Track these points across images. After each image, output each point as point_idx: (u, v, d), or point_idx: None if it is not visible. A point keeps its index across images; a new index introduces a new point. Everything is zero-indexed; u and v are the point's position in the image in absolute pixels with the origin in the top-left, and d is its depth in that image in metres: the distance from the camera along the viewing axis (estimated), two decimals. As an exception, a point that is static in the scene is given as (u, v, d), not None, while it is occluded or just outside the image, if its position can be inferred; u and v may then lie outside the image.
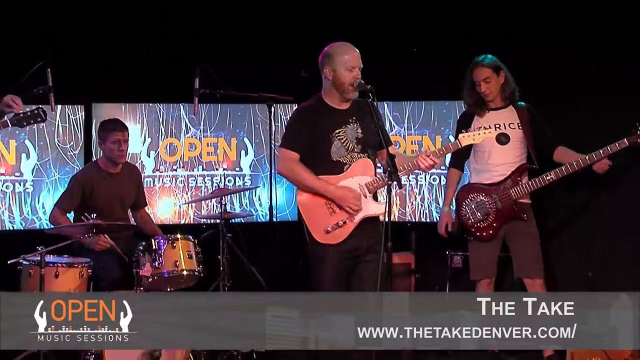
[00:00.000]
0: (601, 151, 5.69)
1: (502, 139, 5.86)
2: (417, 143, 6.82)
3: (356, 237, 4.84)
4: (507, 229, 5.92)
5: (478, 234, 5.95)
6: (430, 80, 6.81)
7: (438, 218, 6.58)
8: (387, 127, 6.28)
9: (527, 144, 5.87)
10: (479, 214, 5.92)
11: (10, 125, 4.88)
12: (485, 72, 5.83)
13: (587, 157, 5.72)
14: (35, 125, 5.03)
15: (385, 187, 4.63)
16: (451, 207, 6.03)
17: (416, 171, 5.19)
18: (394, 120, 6.74)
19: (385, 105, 6.65)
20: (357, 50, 4.84)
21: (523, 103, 5.92)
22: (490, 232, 5.91)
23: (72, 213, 6.15)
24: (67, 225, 6.01)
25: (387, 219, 4.49)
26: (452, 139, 6.68)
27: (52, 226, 6.13)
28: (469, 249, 6.08)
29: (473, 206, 5.94)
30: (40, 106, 4.99)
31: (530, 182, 5.82)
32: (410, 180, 6.56)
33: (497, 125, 5.89)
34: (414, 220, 6.83)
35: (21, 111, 4.90)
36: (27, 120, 4.93)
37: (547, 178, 5.80)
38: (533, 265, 5.90)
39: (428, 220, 6.81)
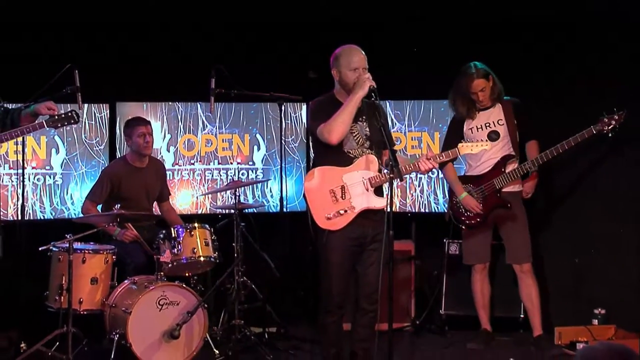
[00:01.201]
0: (571, 139, 5.69)
1: (493, 136, 5.89)
2: (416, 139, 6.83)
3: (360, 227, 4.85)
4: (498, 217, 5.93)
5: (467, 221, 6.01)
6: (429, 80, 6.81)
7: (444, 209, 6.64)
8: (389, 124, 6.27)
9: (510, 136, 5.89)
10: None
11: (45, 127, 4.91)
12: (480, 83, 5.86)
13: (558, 146, 5.69)
14: (67, 125, 5.04)
15: (388, 181, 4.66)
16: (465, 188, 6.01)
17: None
18: (395, 118, 6.75)
19: (387, 103, 6.65)
20: (362, 53, 4.85)
21: (508, 97, 5.94)
22: (478, 219, 5.96)
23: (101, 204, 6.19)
24: (93, 214, 6.04)
25: (389, 210, 4.54)
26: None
27: (81, 216, 6.17)
28: (462, 237, 6.12)
29: None
30: (74, 109, 5.01)
31: (511, 172, 5.84)
32: (410, 174, 6.56)
33: (487, 124, 5.93)
34: (413, 210, 6.83)
35: (55, 114, 4.93)
36: (61, 121, 4.95)
37: (525, 167, 5.82)
38: (522, 251, 5.94)
39: (427, 210, 6.82)
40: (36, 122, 4.89)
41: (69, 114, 4.96)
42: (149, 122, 6.27)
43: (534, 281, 5.94)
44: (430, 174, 6.70)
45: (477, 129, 5.91)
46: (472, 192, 5.94)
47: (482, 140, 5.62)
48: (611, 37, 6.17)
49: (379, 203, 4.84)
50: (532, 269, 5.94)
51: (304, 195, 4.92)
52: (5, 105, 4.91)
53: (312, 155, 5.14)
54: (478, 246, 6.02)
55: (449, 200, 6.17)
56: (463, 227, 6.07)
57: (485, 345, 5.95)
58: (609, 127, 5.65)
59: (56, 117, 4.93)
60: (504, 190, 5.88)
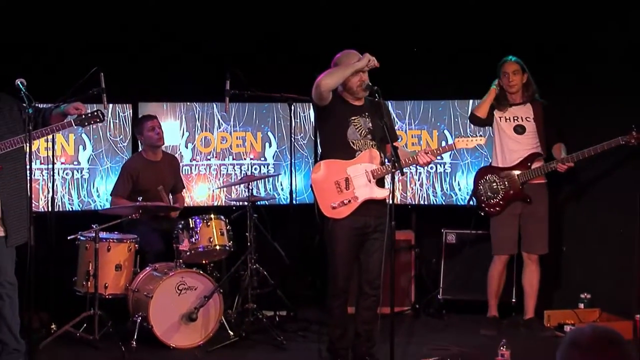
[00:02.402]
0: (598, 147, 5.64)
1: (519, 129, 5.88)
2: (416, 137, 6.82)
3: (363, 217, 4.85)
4: (522, 210, 5.88)
5: (487, 209, 5.96)
6: (428, 82, 6.80)
7: (442, 201, 6.62)
8: (392, 121, 6.26)
9: (539, 136, 5.86)
10: (489, 192, 5.92)
11: (73, 125, 4.92)
12: (514, 65, 5.83)
13: (585, 151, 5.66)
14: (93, 124, 5.03)
15: (390, 174, 4.67)
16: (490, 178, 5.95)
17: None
18: (396, 117, 6.74)
19: (389, 103, 6.62)
20: (361, 55, 4.84)
21: (539, 98, 5.90)
22: (497, 208, 5.91)
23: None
24: (117, 206, 6.05)
25: (391, 202, 4.55)
26: (447, 134, 6.71)
27: (106, 207, 6.18)
28: (491, 229, 6.01)
29: (487, 185, 5.94)
30: (99, 109, 5.00)
31: (536, 169, 5.81)
32: (410, 169, 6.55)
33: (515, 117, 5.89)
34: (413, 202, 6.82)
35: (82, 113, 4.93)
36: (87, 120, 4.94)
37: (550, 166, 5.79)
38: (539, 242, 5.90)
39: (426, 203, 6.81)
40: (65, 121, 4.89)
41: (95, 114, 4.96)
42: (155, 116, 6.27)
43: (538, 268, 5.90)
44: (429, 168, 6.69)
45: (506, 119, 5.89)
46: (496, 182, 5.90)
47: (480, 136, 5.59)
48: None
49: (381, 194, 4.85)
50: (538, 258, 5.91)
51: (311, 186, 4.92)
52: (36, 105, 4.91)
53: (319, 151, 5.13)
54: (507, 239, 5.93)
55: (473, 187, 6.11)
56: (482, 213, 6.00)
57: (498, 330, 5.88)
58: (637, 140, 5.61)
59: (83, 116, 4.93)
60: (536, 181, 5.85)
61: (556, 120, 5.96)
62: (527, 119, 5.89)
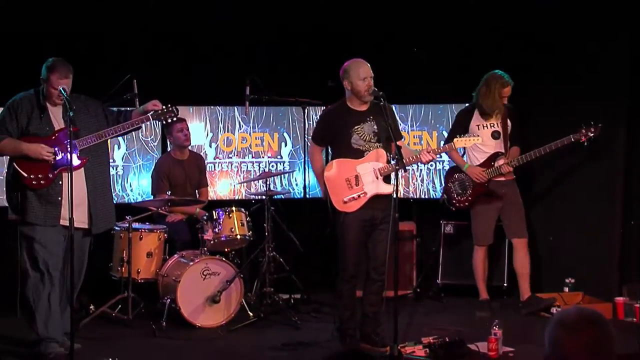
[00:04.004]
0: (552, 144, 5.64)
1: (496, 135, 5.87)
2: (418, 137, 6.81)
3: (371, 210, 4.85)
4: (501, 204, 5.86)
5: (458, 204, 5.97)
6: (428, 89, 6.79)
7: (435, 195, 6.61)
8: (397, 122, 6.25)
9: (505, 138, 5.85)
10: (459, 189, 5.92)
11: (151, 120, 4.90)
12: (509, 90, 5.78)
13: (540, 149, 5.66)
14: (169, 119, 4.93)
15: (394, 171, 4.66)
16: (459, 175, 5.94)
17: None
18: (400, 119, 6.72)
19: (393, 107, 6.58)
20: (368, 64, 4.86)
21: (506, 104, 5.88)
22: (467, 203, 5.92)
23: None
24: (149, 200, 6.07)
25: (395, 196, 4.55)
26: (445, 134, 6.67)
27: (139, 201, 6.20)
28: (472, 222, 6.00)
29: (456, 184, 5.94)
30: (174, 105, 4.91)
31: (499, 166, 5.79)
32: (412, 166, 6.54)
33: (491, 124, 5.86)
34: (415, 196, 6.82)
35: (159, 109, 4.91)
36: (164, 115, 4.87)
37: (512, 163, 5.78)
38: (520, 228, 5.89)
39: (426, 197, 6.80)
40: (143, 116, 4.87)
41: (170, 108, 4.88)
42: (184, 119, 6.26)
43: (527, 253, 5.88)
44: (429, 165, 6.68)
45: (484, 127, 5.86)
46: (465, 180, 5.90)
47: (476, 136, 5.59)
48: (589, 47, 6.06)
49: (387, 189, 4.84)
50: (527, 244, 5.89)
51: (324, 183, 4.92)
52: (110, 107, 4.99)
53: (329, 149, 5.14)
54: (486, 231, 5.93)
55: (444, 186, 6.14)
56: (453, 208, 6.02)
57: (491, 312, 5.86)
58: (586, 138, 5.61)
59: (159, 111, 4.88)
60: (503, 178, 5.83)
61: (523, 122, 5.96)
62: (499, 123, 5.87)
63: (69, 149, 4.45)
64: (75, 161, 4.59)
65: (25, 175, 4.61)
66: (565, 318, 2.34)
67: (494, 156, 5.83)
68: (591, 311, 2.40)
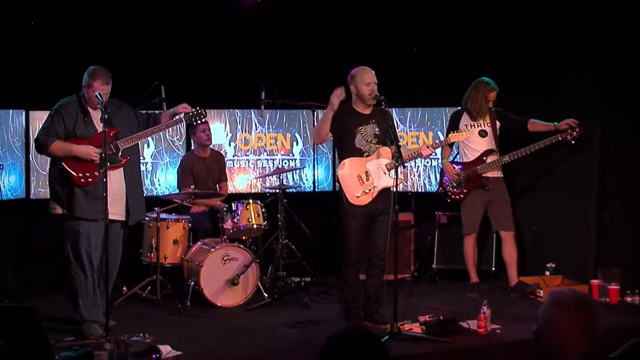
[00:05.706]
0: (541, 142, 5.63)
1: (483, 133, 5.85)
2: (415, 137, 6.80)
3: (373, 202, 4.87)
4: (488, 198, 5.85)
5: (453, 196, 5.97)
6: (425, 93, 6.76)
7: (431, 189, 6.58)
8: (395, 125, 6.23)
9: (494, 137, 5.83)
10: (454, 183, 5.91)
11: (183, 121, 4.90)
12: (495, 94, 5.77)
13: (530, 147, 5.64)
14: (199, 120, 4.93)
15: (394, 168, 4.66)
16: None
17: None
18: (399, 121, 6.72)
19: (393, 110, 6.60)
20: (372, 71, 4.87)
21: (493, 108, 5.85)
22: (461, 196, 5.92)
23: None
24: (175, 193, 6.08)
25: (394, 190, 4.55)
26: (440, 134, 6.67)
27: (166, 194, 6.21)
28: (461, 214, 5.99)
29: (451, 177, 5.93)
30: (202, 108, 4.90)
31: (491, 162, 5.77)
32: (410, 163, 6.53)
33: (478, 124, 5.84)
34: (413, 190, 6.80)
35: (189, 111, 4.89)
36: (194, 117, 4.87)
37: (504, 159, 5.77)
38: (507, 222, 5.86)
39: (423, 190, 6.79)
40: (176, 118, 4.86)
41: (199, 111, 4.88)
42: (206, 121, 6.22)
43: (514, 243, 5.86)
44: (425, 162, 6.68)
45: (470, 126, 5.85)
46: (460, 173, 5.88)
47: (467, 131, 5.60)
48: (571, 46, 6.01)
49: (389, 182, 4.84)
50: (514, 237, 5.87)
51: (338, 180, 4.94)
52: (140, 111, 5.00)
53: (335, 149, 5.14)
54: (474, 222, 5.92)
55: (439, 180, 6.13)
56: (448, 200, 6.01)
57: (481, 293, 5.85)
58: (571, 137, 5.60)
59: (190, 114, 4.87)
60: (491, 175, 5.82)
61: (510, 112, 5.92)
62: (488, 124, 5.85)
63: (112, 149, 4.54)
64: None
65: (74, 174, 4.61)
66: (560, 299, 2.37)
67: (487, 153, 5.82)
68: (583, 294, 2.44)
